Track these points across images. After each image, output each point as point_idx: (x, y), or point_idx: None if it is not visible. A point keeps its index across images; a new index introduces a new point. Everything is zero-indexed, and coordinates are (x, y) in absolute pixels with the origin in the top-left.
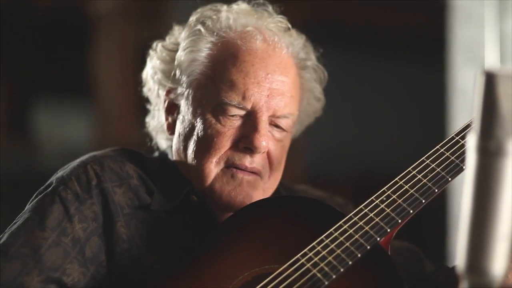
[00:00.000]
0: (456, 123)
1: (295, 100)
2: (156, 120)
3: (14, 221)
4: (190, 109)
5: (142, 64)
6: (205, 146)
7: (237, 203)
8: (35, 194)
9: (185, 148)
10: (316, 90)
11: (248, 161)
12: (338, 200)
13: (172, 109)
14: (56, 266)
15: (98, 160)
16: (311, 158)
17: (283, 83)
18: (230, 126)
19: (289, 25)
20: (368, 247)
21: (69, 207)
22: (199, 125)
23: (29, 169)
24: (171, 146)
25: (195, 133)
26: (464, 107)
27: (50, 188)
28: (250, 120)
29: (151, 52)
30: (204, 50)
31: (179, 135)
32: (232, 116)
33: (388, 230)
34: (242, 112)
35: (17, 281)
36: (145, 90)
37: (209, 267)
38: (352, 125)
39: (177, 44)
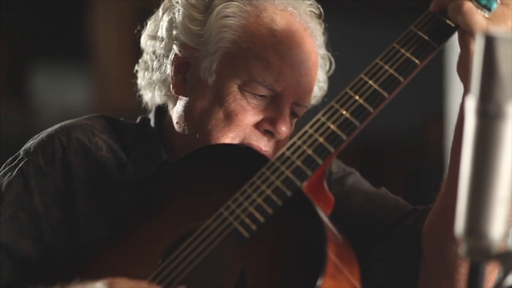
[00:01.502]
0: (455, 86)
1: (313, 90)
2: (159, 72)
3: None
4: (213, 77)
5: (140, 28)
6: (226, 119)
7: None
8: (3, 166)
9: (199, 113)
10: (322, 79)
11: (264, 144)
12: (356, 177)
13: (182, 67)
14: (9, 241)
15: (66, 130)
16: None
17: (310, 72)
18: (255, 105)
19: (321, 10)
20: (289, 194)
21: (30, 181)
22: (222, 96)
23: (27, 134)
24: (162, 107)
25: (216, 102)
26: None
27: (16, 161)
28: (276, 104)
29: (167, 3)
30: (239, 19)
31: (190, 98)
32: (260, 96)
33: (309, 173)
34: (270, 94)
35: None
36: (145, 39)
37: (140, 231)
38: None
39: (207, 6)
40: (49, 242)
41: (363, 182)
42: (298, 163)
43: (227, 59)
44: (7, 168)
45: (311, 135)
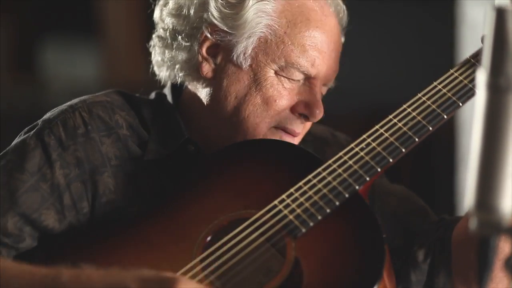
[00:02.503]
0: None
1: (337, 70)
2: (184, 52)
3: None
4: (248, 61)
5: (153, 1)
6: (264, 104)
7: None
8: (20, 133)
9: (234, 98)
10: None
11: (297, 127)
12: (341, 140)
13: (211, 49)
14: (31, 211)
15: (87, 106)
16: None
17: (337, 54)
18: (290, 90)
19: None
20: (347, 195)
21: (51, 153)
22: (259, 81)
23: (36, 108)
24: (179, 85)
25: (253, 87)
26: (474, 42)
27: (34, 130)
28: (309, 87)
29: None
30: (274, 3)
31: (223, 81)
32: (295, 80)
33: (368, 178)
34: (303, 78)
35: None
36: (164, 16)
37: (184, 209)
38: (359, 61)
39: None
40: (71, 215)
41: (386, 180)
42: (356, 167)
43: (263, 44)
44: (26, 137)
45: (369, 144)
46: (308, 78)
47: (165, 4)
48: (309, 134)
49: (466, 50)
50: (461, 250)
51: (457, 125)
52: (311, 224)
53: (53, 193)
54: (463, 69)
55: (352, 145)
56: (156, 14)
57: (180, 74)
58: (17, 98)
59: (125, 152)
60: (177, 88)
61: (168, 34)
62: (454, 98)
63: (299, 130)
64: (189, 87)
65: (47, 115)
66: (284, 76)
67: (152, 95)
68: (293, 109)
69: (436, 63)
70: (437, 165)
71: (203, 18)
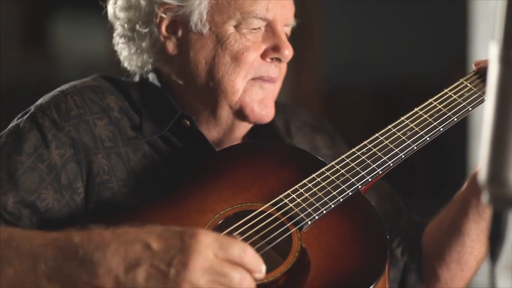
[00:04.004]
0: (478, 35)
1: (294, 8)
2: (147, 39)
3: None
4: (207, 26)
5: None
6: (233, 61)
7: (266, 115)
8: (13, 120)
9: (204, 64)
10: None
11: (274, 72)
12: (328, 127)
13: (169, 27)
14: (31, 190)
15: (78, 91)
16: (328, 70)
17: None
18: (254, 40)
19: None
20: (350, 193)
21: (46, 134)
22: (222, 41)
23: (48, 81)
24: (157, 70)
25: (218, 49)
26: (487, 17)
27: (28, 115)
28: (272, 32)
29: None
30: None
31: (190, 53)
32: (255, 29)
33: (370, 179)
34: (263, 24)
35: None
36: (116, 12)
37: (190, 200)
38: (371, 35)
39: None
40: (68, 195)
41: None
42: (358, 170)
43: (215, 5)
44: (19, 121)
45: (370, 149)
46: (268, 24)
47: (115, 2)
48: (300, 120)
49: (479, 24)
50: (432, 250)
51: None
52: (316, 217)
53: (50, 173)
54: (471, 79)
55: (354, 149)
56: (110, 13)
57: (150, 61)
58: (28, 72)
59: (117, 134)
60: (158, 71)
61: (126, 28)
62: (464, 103)
63: (276, 74)
64: (163, 69)
65: (39, 101)
66: (244, 29)
67: (136, 78)
68: (263, 56)
69: (449, 33)
70: (449, 140)
71: (152, 1)
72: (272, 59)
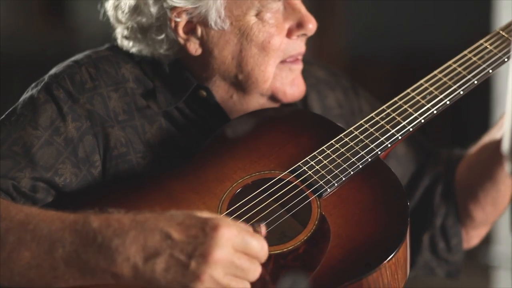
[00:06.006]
0: (502, 4)
1: None
2: (163, 44)
3: (6, 114)
4: (227, 22)
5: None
6: (261, 51)
7: (298, 95)
8: (27, 90)
9: (231, 60)
10: None
11: (302, 47)
12: (343, 82)
13: (186, 29)
14: (48, 166)
15: (93, 62)
16: (351, 40)
17: None
18: (277, 23)
19: None
20: (370, 160)
21: (62, 106)
22: (246, 33)
23: (68, 52)
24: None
25: (243, 42)
26: None
27: (42, 85)
28: (291, 8)
29: None
30: None
31: (214, 51)
32: (275, 11)
33: (389, 145)
34: (281, 4)
35: (9, 175)
36: (118, 13)
37: (208, 168)
38: (395, 5)
39: None
40: (85, 169)
41: None
42: (377, 135)
43: None
44: (34, 91)
45: (389, 114)
46: (285, 1)
47: (116, 6)
48: (312, 77)
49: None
50: (466, 194)
51: (491, 81)
52: (336, 184)
53: (67, 146)
54: (492, 39)
55: (373, 114)
56: (111, 15)
57: (169, 58)
58: (49, 43)
59: (132, 105)
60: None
61: (136, 31)
62: (484, 66)
63: (304, 48)
64: (184, 62)
65: (53, 70)
66: (265, 15)
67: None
68: (289, 35)
69: (471, 8)
70: (472, 111)
71: (163, 7)
72: (297, 36)
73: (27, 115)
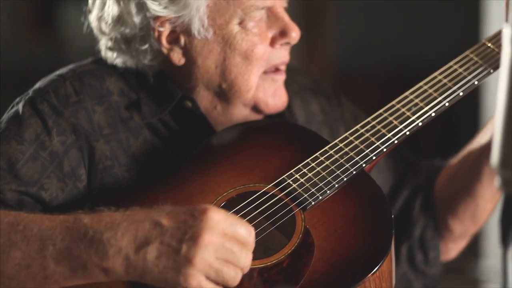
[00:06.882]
0: (491, 16)
1: None
2: (147, 55)
3: None
4: (210, 31)
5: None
6: (245, 59)
7: (280, 106)
8: (12, 105)
9: (215, 68)
10: None
11: (286, 56)
12: (326, 89)
13: (170, 38)
14: (33, 180)
15: (78, 76)
16: (340, 53)
17: None
18: (260, 31)
19: None
20: (354, 172)
21: (47, 120)
22: (229, 42)
23: (57, 65)
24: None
25: (227, 51)
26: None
27: (26, 99)
28: (274, 17)
29: None
30: None
31: (198, 60)
32: (258, 20)
33: (374, 157)
34: (264, 13)
35: None
36: (105, 26)
37: (192, 182)
38: (383, 18)
39: None
40: (71, 182)
41: None
42: (362, 148)
43: (214, 7)
44: (18, 106)
45: (374, 126)
46: (268, 10)
47: (100, 17)
48: (296, 83)
49: (491, 7)
50: (445, 206)
51: (481, 86)
52: (320, 197)
53: (53, 161)
54: (478, 51)
55: (357, 126)
56: (94, 27)
57: (153, 68)
58: (38, 56)
59: (117, 119)
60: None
61: (120, 42)
62: (469, 77)
63: (288, 57)
64: (168, 72)
65: (37, 84)
66: (248, 23)
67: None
68: (272, 44)
69: (461, 14)
70: (461, 123)
71: (146, 17)
72: (281, 44)
73: (12, 129)
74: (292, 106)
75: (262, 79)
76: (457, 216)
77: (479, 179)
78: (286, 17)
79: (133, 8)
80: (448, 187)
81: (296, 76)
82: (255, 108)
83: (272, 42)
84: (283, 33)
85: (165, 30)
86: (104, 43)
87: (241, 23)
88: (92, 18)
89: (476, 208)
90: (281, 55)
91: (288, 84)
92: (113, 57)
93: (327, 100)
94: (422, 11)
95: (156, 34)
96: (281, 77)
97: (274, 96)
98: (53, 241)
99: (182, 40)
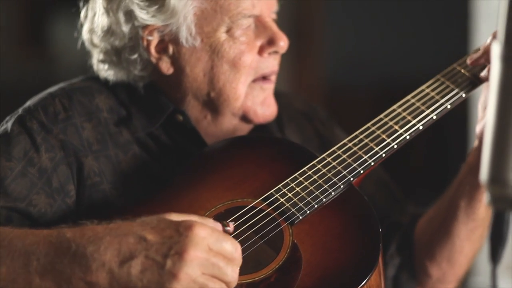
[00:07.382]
0: (480, 32)
1: None
2: (136, 65)
3: None
4: (198, 39)
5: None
6: (232, 67)
7: (269, 115)
8: (1, 124)
9: (203, 77)
10: None
11: (273, 65)
12: (320, 114)
13: (158, 47)
14: (22, 197)
15: (67, 93)
16: (330, 68)
17: None
18: (248, 39)
19: None
20: (342, 186)
21: (36, 137)
22: (217, 50)
23: (47, 82)
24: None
25: (214, 59)
26: (489, 15)
27: (15, 117)
28: (262, 26)
29: (104, 2)
30: None
31: (186, 69)
32: (245, 28)
33: (362, 171)
34: (252, 22)
35: None
36: (95, 38)
37: (181, 197)
38: (372, 33)
39: None
40: (60, 199)
41: None
42: (350, 161)
43: (201, 16)
44: (7, 125)
45: (361, 140)
46: (256, 19)
47: (90, 30)
48: (292, 109)
49: (481, 24)
50: (423, 248)
51: (470, 98)
52: (308, 211)
53: (41, 177)
54: (448, 75)
55: (345, 140)
56: (86, 39)
57: (144, 80)
58: (28, 73)
59: (106, 135)
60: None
61: (111, 55)
62: (457, 90)
63: (276, 67)
64: (158, 84)
65: (27, 103)
66: (236, 32)
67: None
68: (260, 52)
69: (451, 37)
70: (449, 139)
71: (135, 26)
72: (269, 53)
73: (1, 147)
74: (285, 130)
75: (250, 87)
76: (434, 258)
77: (455, 216)
78: (274, 26)
79: (121, 17)
80: (427, 228)
81: (292, 101)
82: (244, 118)
83: (260, 51)
84: (271, 41)
85: (154, 39)
86: (96, 57)
87: (228, 31)
88: (84, 32)
89: (453, 248)
90: (270, 64)
91: (283, 110)
92: (104, 70)
93: (322, 125)
94: (411, 28)
95: (145, 43)
96: (270, 86)
97: (263, 105)
98: (37, 256)
99: (171, 49)
